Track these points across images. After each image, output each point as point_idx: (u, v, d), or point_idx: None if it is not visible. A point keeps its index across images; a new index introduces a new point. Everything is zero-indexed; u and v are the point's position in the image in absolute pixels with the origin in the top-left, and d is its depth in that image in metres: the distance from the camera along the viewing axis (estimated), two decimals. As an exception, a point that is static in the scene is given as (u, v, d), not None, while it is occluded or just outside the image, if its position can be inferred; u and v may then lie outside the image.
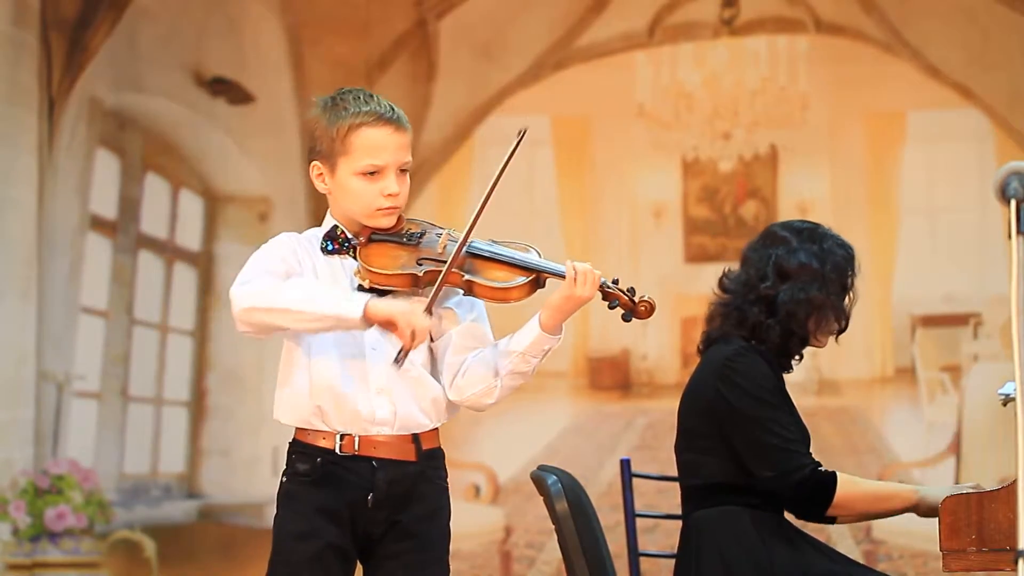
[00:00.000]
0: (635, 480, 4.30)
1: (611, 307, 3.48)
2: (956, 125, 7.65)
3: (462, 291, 3.46)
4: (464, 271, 3.43)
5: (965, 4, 7.58)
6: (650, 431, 7.60)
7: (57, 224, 7.64)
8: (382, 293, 3.43)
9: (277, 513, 3.50)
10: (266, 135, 7.79)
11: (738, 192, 7.80)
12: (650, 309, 3.48)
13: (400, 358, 3.38)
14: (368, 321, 3.32)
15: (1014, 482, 3.57)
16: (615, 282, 3.49)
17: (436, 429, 3.52)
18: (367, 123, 3.43)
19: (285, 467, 3.51)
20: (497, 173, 3.47)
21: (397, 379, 3.44)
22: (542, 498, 4.05)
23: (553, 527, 4.03)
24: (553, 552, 7.13)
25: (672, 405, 4.20)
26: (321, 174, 3.49)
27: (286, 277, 3.42)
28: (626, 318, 3.50)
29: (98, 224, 7.81)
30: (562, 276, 3.43)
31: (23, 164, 7.52)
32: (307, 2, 7.86)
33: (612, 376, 7.79)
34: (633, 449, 7.50)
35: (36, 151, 7.57)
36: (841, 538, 7.26)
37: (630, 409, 7.73)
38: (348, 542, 3.45)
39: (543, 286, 3.47)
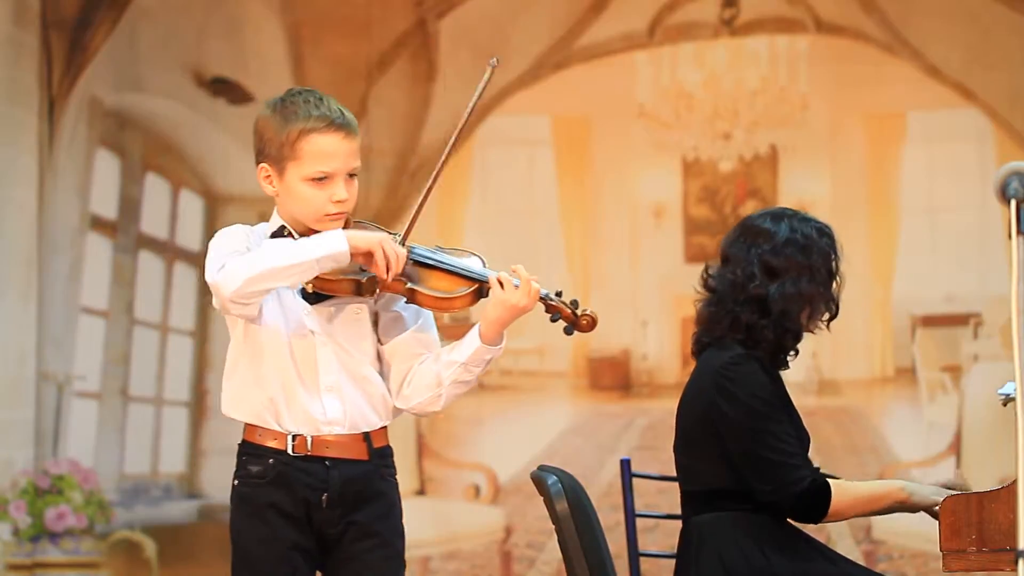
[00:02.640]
0: (635, 480, 4.30)
1: (553, 320, 3.49)
2: (956, 125, 7.64)
3: (405, 299, 3.45)
4: (407, 279, 3.42)
5: (965, 4, 7.58)
6: (650, 431, 7.59)
7: (57, 224, 7.65)
8: (324, 298, 3.44)
9: (233, 517, 3.51)
10: (266, 135, 7.77)
11: (738, 192, 7.80)
12: (592, 323, 3.49)
13: (375, 287, 3.37)
14: (352, 251, 3.33)
15: (1014, 482, 3.57)
16: (558, 294, 3.49)
17: (385, 427, 3.53)
18: (317, 129, 3.41)
19: (236, 469, 3.53)
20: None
21: (345, 377, 3.45)
22: (542, 498, 4.05)
23: (553, 527, 4.03)
24: (553, 552, 7.13)
25: (672, 405, 4.19)
26: (269, 176, 3.47)
27: None
28: (568, 331, 3.51)
29: (98, 224, 7.81)
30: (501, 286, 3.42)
31: (23, 164, 7.53)
32: (307, 2, 7.86)
33: (612, 376, 7.78)
34: (633, 449, 7.50)
35: (36, 151, 7.57)
36: (841, 538, 7.26)
37: (630, 409, 7.73)
38: (309, 542, 3.46)
39: (487, 295, 3.46)
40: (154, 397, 7.88)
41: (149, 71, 7.82)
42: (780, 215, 4.11)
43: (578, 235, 7.82)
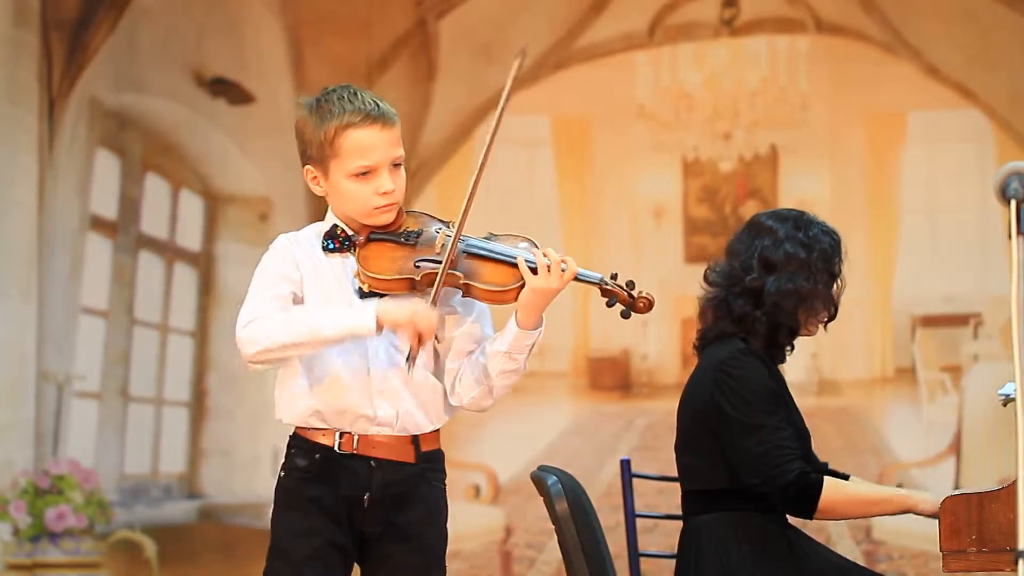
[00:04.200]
0: (635, 480, 4.30)
1: (609, 304, 3.46)
2: (956, 125, 7.65)
3: (460, 292, 3.44)
4: (461, 272, 3.40)
5: (965, 4, 7.58)
6: (650, 431, 7.59)
7: (57, 224, 7.64)
8: (380, 295, 3.42)
9: (275, 508, 3.49)
10: (266, 135, 7.78)
11: (738, 192, 7.80)
12: (649, 304, 3.45)
13: (409, 363, 3.37)
14: (380, 327, 3.32)
15: (1014, 482, 3.57)
16: (613, 277, 3.46)
17: (436, 431, 3.51)
18: (353, 124, 3.40)
19: (283, 462, 3.51)
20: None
21: (399, 380, 3.43)
22: (542, 498, 4.05)
23: (553, 527, 4.03)
24: (553, 552, 7.13)
25: (672, 405, 4.19)
26: (316, 177, 3.48)
27: (289, 296, 3.40)
28: (625, 315, 3.47)
29: (98, 224, 7.81)
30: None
31: (23, 164, 7.52)
32: (307, 2, 7.86)
33: (612, 376, 7.78)
34: (633, 449, 7.50)
35: (36, 151, 7.57)
36: (841, 538, 7.26)
37: (630, 409, 7.73)
38: (347, 540, 3.45)
39: None
40: (154, 397, 7.88)
41: (149, 71, 7.81)
42: (787, 215, 4.13)
43: (578, 235, 7.82)
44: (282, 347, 3.33)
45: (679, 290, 7.59)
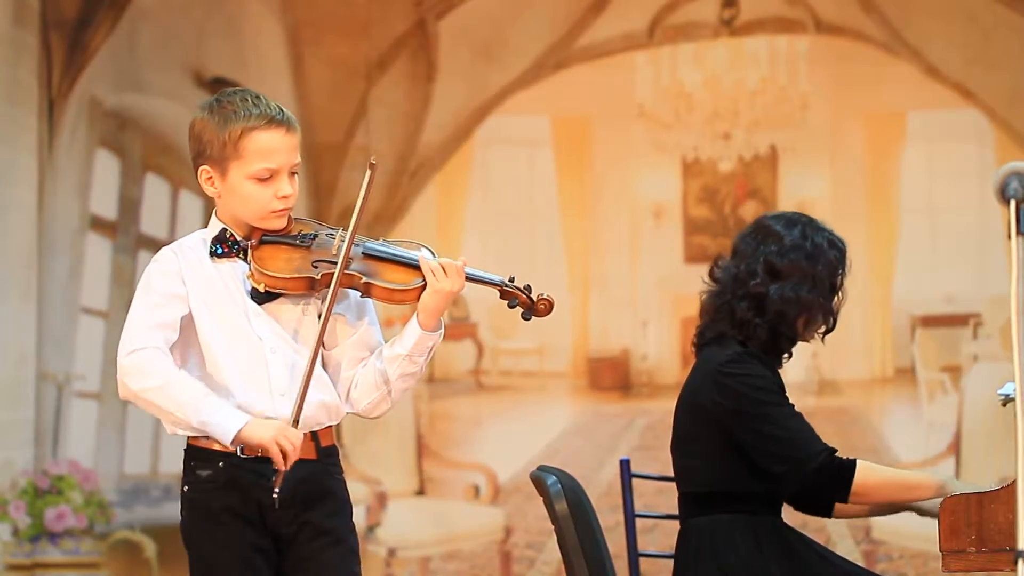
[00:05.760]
0: (635, 480, 4.30)
1: (511, 306, 3.51)
2: (956, 125, 7.65)
3: (360, 292, 3.46)
4: (361, 272, 3.43)
5: (965, 4, 7.58)
6: (650, 431, 7.59)
7: (57, 224, 7.65)
8: (275, 296, 3.44)
9: (186, 525, 3.55)
10: (266, 135, 7.77)
11: (738, 192, 7.80)
12: (549, 306, 3.51)
13: (277, 482, 3.37)
14: (236, 443, 3.36)
15: (1014, 482, 3.57)
16: (511, 280, 3.52)
17: (332, 427, 3.53)
18: (259, 127, 3.41)
19: (184, 475, 3.55)
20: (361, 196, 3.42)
21: (297, 380, 3.41)
22: (542, 498, 4.05)
23: (553, 527, 4.03)
24: (553, 552, 7.13)
25: (672, 405, 4.19)
26: (211, 178, 3.47)
27: (176, 320, 3.41)
28: (526, 316, 3.53)
29: (98, 224, 7.81)
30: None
31: (23, 164, 7.52)
32: (307, 2, 7.86)
33: (612, 376, 7.78)
34: (633, 449, 7.50)
35: (36, 151, 7.57)
36: (841, 539, 7.26)
37: (630, 409, 7.73)
38: (267, 543, 3.46)
39: None
40: (154, 397, 7.86)
41: (149, 71, 7.82)
42: (795, 220, 4.12)
43: (578, 235, 7.82)
44: (152, 404, 3.40)
45: (679, 290, 7.60)
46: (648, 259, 7.75)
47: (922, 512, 4.01)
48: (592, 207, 7.86)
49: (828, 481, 3.89)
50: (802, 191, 7.70)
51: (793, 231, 4.08)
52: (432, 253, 3.50)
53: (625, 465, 4.28)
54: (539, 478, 4.05)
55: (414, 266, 3.45)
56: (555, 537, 4.04)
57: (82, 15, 7.70)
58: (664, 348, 7.74)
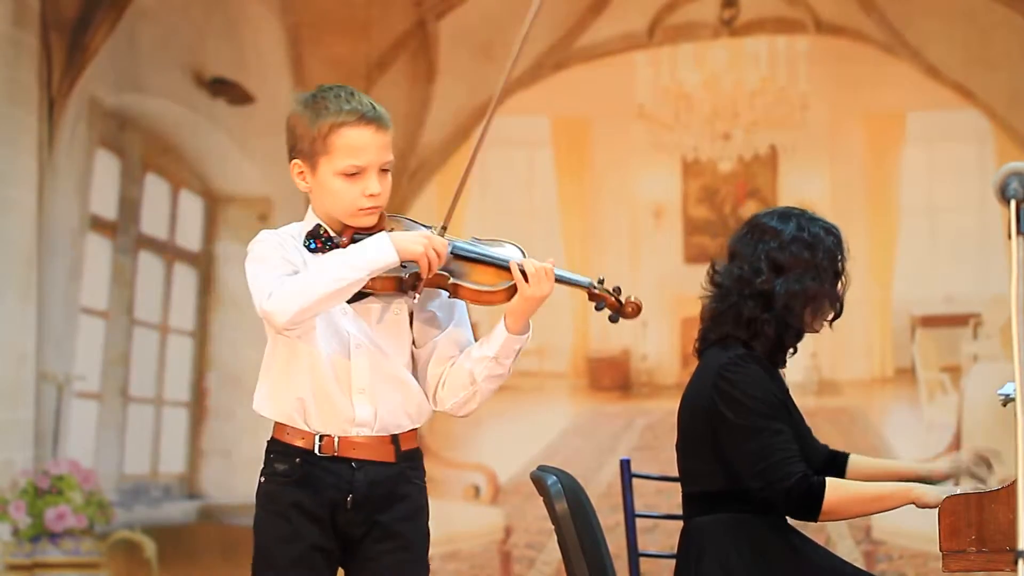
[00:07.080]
0: (635, 480, 4.30)
1: (598, 308, 3.49)
2: (956, 125, 7.65)
3: (447, 293, 3.45)
4: (449, 272, 3.42)
5: (965, 4, 7.58)
6: (650, 431, 7.60)
7: (57, 224, 7.65)
8: (364, 296, 3.42)
9: (257, 514, 3.50)
10: (266, 135, 7.77)
11: (738, 192, 7.80)
12: (637, 309, 3.48)
13: (418, 285, 3.37)
14: (400, 257, 3.33)
15: (1014, 482, 3.57)
16: (600, 282, 3.49)
17: (415, 430, 3.52)
18: (349, 123, 3.41)
19: (263, 467, 3.50)
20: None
21: (379, 380, 3.43)
22: (542, 498, 4.05)
23: (553, 527, 4.03)
24: (553, 552, 7.13)
25: (672, 405, 4.19)
26: (302, 172, 3.48)
27: (294, 273, 3.39)
28: (613, 319, 3.50)
29: (98, 224, 7.81)
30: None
31: (23, 164, 7.53)
32: (307, 2, 7.86)
33: (612, 376, 7.79)
34: (633, 449, 7.50)
35: (36, 151, 7.57)
36: (841, 539, 7.26)
37: (630, 409, 7.73)
38: (331, 543, 3.46)
39: None
40: (154, 397, 7.88)
41: (149, 71, 7.82)
42: (788, 214, 4.14)
43: (578, 235, 7.82)
44: (316, 302, 3.30)
45: (679, 290, 7.60)
46: (648, 259, 7.75)
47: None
48: (592, 207, 7.86)
49: (797, 503, 3.92)
50: (802, 191, 7.70)
51: (789, 224, 4.10)
52: (522, 251, 3.48)
53: (625, 465, 4.28)
54: (539, 478, 4.05)
55: (503, 267, 3.43)
56: (555, 537, 4.04)
57: (82, 15, 7.70)
58: (664, 348, 7.75)
